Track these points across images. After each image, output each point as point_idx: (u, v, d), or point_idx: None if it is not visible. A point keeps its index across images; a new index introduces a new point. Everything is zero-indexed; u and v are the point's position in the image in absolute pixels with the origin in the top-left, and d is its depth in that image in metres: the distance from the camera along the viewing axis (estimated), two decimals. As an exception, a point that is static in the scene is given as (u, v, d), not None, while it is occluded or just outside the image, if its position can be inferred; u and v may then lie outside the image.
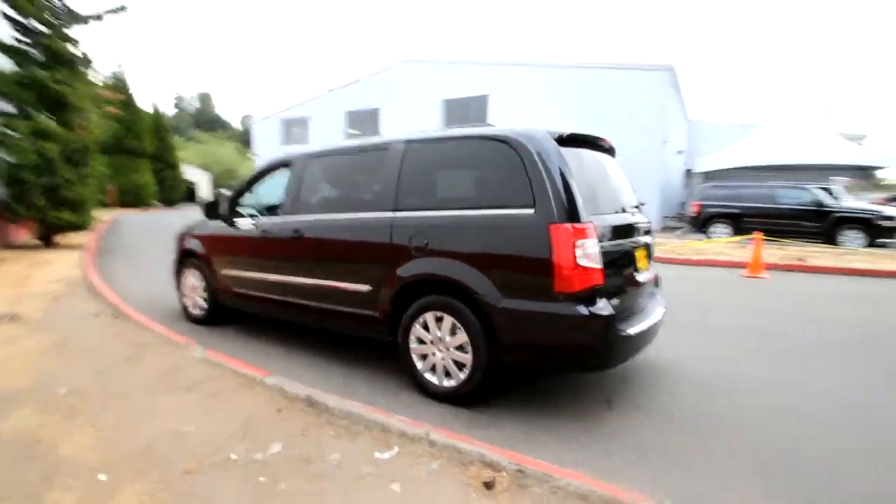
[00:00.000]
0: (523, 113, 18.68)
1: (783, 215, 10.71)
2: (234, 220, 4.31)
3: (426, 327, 2.95)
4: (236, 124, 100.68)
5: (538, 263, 2.51)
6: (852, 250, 9.50)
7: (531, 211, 2.55)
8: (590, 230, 2.50)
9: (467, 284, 2.69)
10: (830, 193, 10.85)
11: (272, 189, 4.52)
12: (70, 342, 3.84)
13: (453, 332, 2.83)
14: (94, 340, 3.91)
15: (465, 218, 2.77)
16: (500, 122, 19.85)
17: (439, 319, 2.88)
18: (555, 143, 2.67)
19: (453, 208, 2.85)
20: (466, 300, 2.75)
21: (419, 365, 3.01)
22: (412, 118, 22.14)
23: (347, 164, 3.57)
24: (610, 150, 3.35)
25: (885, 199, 23.45)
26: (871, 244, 10.00)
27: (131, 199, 26.23)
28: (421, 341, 2.99)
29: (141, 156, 27.19)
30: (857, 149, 16.82)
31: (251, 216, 4.51)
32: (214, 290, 4.43)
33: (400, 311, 3.06)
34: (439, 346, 2.90)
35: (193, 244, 4.62)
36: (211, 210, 4.29)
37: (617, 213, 2.99)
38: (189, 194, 34.75)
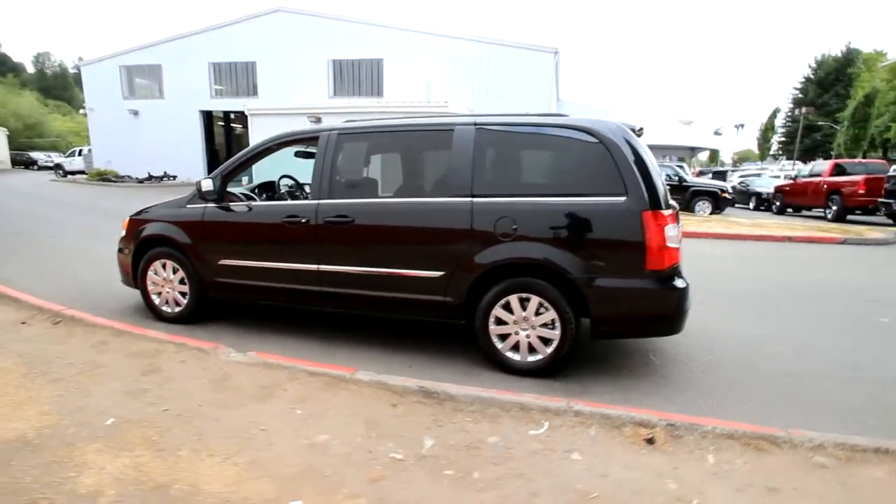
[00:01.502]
0: (420, 81, 18.59)
1: (654, 188, 12.87)
2: (230, 202, 3.77)
3: (507, 308, 3.09)
4: (29, 67, 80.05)
5: (631, 246, 2.84)
6: (706, 217, 11.96)
7: (623, 199, 2.84)
8: (671, 216, 2.90)
9: (562, 267, 2.90)
10: (684, 171, 13.36)
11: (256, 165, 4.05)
12: (44, 363, 3.03)
13: (538, 312, 3.04)
14: (74, 356, 3.14)
15: (556, 204, 2.94)
16: (395, 88, 19.48)
17: (524, 300, 3.05)
18: (636, 136, 2.97)
19: (539, 195, 3.00)
20: (555, 281, 2.97)
21: (499, 345, 3.16)
22: (296, 76, 20.41)
23: (401, 144, 3.39)
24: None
25: (696, 173, 29.09)
26: (713, 212, 12.69)
27: None
28: (500, 322, 3.13)
29: None
30: (687, 131, 20.65)
31: (246, 197, 4.00)
32: (202, 284, 3.85)
33: (475, 295, 3.14)
34: (523, 325, 3.09)
35: (167, 230, 3.90)
36: (208, 192, 3.65)
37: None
38: (-15, 156, 26.89)
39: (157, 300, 4.09)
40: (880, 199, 10.80)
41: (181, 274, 3.94)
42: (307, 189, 4.93)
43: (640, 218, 2.81)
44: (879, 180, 11.58)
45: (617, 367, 3.30)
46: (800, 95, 53.36)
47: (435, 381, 2.92)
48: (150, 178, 21.82)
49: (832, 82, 49.74)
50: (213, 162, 24.27)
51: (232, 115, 27.88)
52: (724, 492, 2.00)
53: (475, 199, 3.07)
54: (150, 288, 4.08)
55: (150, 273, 4.05)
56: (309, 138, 3.61)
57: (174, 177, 22.58)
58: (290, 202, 3.62)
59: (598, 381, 3.09)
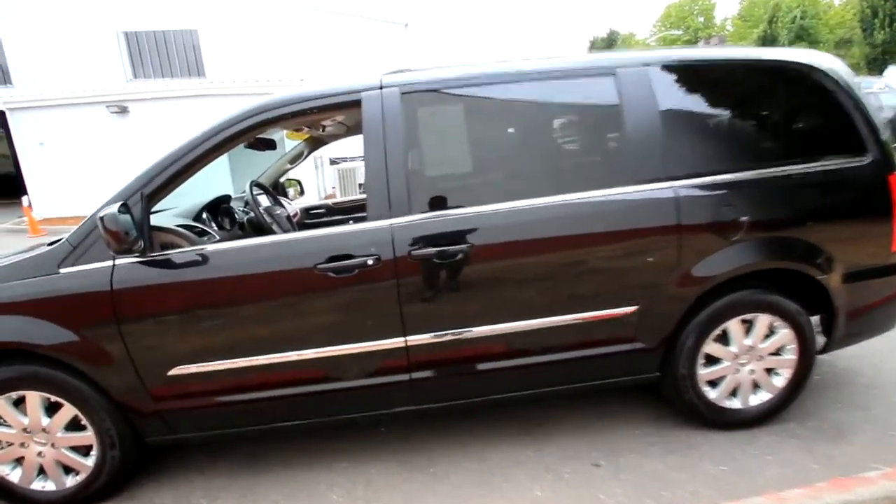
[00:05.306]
0: (253, 59, 15.53)
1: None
2: (162, 246, 1.90)
3: (723, 340, 2.08)
4: None
5: (880, 223, 2.05)
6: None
7: (866, 159, 2.03)
8: (901, 179, 2.20)
9: (810, 265, 2.00)
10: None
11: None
12: None
13: (766, 335, 2.09)
14: None
15: (792, 177, 1.98)
16: (222, 67, 16.15)
17: (746, 323, 2.07)
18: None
19: (758, 165, 1.99)
20: (793, 287, 2.06)
21: (711, 394, 2.13)
22: (71, 54, 15.20)
23: (521, 105, 1.96)
24: None
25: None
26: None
27: None
28: (712, 361, 2.11)
29: None
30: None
31: (197, 234, 2.15)
32: (134, 418, 1.91)
33: (678, 330, 2.05)
34: (744, 357, 2.11)
35: (14, 330, 1.80)
36: (124, 233, 1.68)
37: None
38: None
39: (14, 476, 1.95)
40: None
41: (69, 411, 1.89)
42: (289, 209, 3.11)
43: (887, 184, 2.04)
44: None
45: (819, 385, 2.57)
46: (584, 69, 62.63)
47: (663, 480, 1.82)
48: None
49: (602, 59, 59.48)
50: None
51: (-34, 115, 19.89)
52: None
53: (678, 183, 1.92)
54: (-10, 456, 1.92)
55: (-22, 426, 1.89)
56: (332, 106, 1.91)
57: None
58: (326, 231, 1.90)
59: (821, 407, 2.31)
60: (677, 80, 1.98)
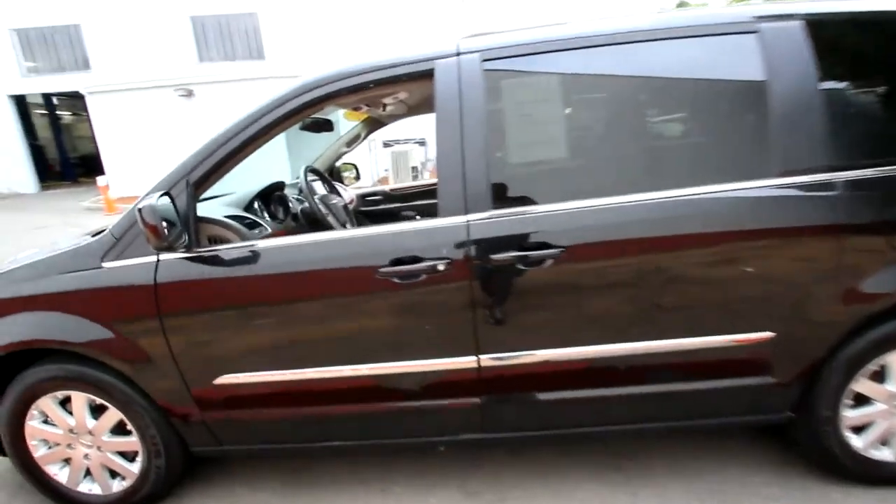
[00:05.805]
0: (310, 41, 15.55)
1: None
2: (212, 240, 1.72)
3: (878, 376, 1.64)
4: None
5: None
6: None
7: None
8: None
9: None
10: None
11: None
12: None
13: (937, 372, 1.62)
14: None
15: None
16: (282, 50, 16.30)
17: (907, 357, 1.61)
18: None
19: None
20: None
21: (856, 442, 1.69)
22: (145, 40, 15.93)
23: (628, 77, 1.57)
24: None
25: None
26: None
27: None
28: (861, 401, 1.66)
29: None
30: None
31: (248, 226, 1.94)
32: (178, 425, 1.76)
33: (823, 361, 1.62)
34: (902, 399, 1.65)
35: (57, 327, 1.67)
36: (167, 227, 1.49)
37: None
38: None
39: (62, 476, 1.87)
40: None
41: (114, 415, 1.77)
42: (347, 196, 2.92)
43: None
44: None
45: None
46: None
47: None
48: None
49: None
50: (40, 163, 18.46)
51: (55, 100, 21.50)
52: None
53: (838, 176, 1.47)
54: (39, 455, 1.84)
55: (33, 424, 1.80)
56: (398, 78, 1.61)
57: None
58: (389, 228, 1.63)
59: None
60: (841, 40, 1.51)
